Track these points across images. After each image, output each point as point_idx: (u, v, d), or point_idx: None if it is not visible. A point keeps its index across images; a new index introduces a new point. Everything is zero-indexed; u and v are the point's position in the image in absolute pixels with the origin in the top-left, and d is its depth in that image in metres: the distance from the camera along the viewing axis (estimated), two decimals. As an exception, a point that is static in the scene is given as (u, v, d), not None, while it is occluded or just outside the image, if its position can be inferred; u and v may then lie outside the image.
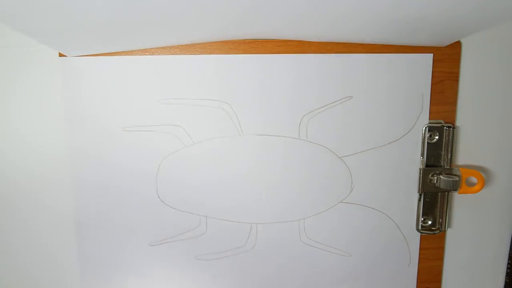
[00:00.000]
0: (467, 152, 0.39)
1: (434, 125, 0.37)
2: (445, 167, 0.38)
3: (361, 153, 0.38)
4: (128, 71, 0.36)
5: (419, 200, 0.39)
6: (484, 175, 0.39)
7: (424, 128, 0.38)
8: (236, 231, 0.38)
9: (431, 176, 0.38)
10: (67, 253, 0.37)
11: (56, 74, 0.36)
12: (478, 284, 0.41)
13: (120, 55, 0.35)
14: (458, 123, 0.38)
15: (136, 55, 0.36)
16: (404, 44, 0.36)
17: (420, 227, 0.39)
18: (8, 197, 0.37)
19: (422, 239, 0.39)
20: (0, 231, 0.38)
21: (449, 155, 0.38)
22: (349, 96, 0.37)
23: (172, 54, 0.36)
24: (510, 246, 0.41)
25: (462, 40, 0.37)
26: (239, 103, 0.37)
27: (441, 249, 0.40)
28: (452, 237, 0.40)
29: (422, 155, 0.38)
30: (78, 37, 0.31)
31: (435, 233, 0.39)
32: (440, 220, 0.39)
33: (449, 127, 0.37)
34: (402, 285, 0.40)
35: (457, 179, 0.36)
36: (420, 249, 0.39)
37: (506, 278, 0.41)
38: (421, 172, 0.38)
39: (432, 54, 0.37)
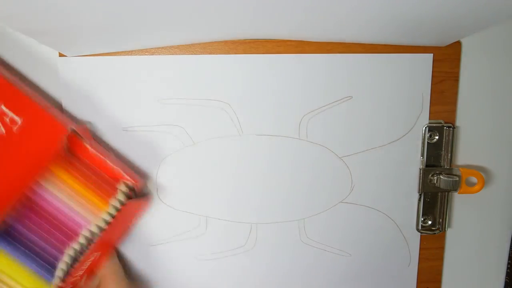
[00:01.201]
0: (467, 152, 0.39)
1: (434, 125, 0.37)
2: (445, 167, 0.38)
3: (361, 153, 0.38)
4: (128, 71, 0.36)
5: (419, 200, 0.39)
6: (484, 175, 0.39)
7: (424, 128, 0.38)
8: (236, 231, 0.38)
9: (431, 176, 0.38)
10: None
11: (56, 74, 0.36)
12: (478, 284, 0.41)
13: (120, 55, 0.35)
14: (458, 123, 0.38)
15: (136, 55, 0.36)
16: (404, 44, 0.36)
17: (420, 227, 0.39)
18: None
19: (422, 239, 0.39)
20: None
21: (449, 155, 0.38)
22: (349, 96, 0.37)
23: (172, 54, 0.36)
24: (510, 246, 0.41)
25: (462, 40, 0.37)
26: (239, 103, 0.37)
27: (441, 249, 0.40)
28: (452, 237, 0.40)
29: (422, 155, 0.38)
30: (78, 37, 0.31)
31: (435, 233, 0.39)
32: (440, 220, 0.39)
33: (449, 127, 0.37)
34: (402, 285, 0.40)
35: (457, 179, 0.36)
36: (420, 249, 0.39)
37: (506, 278, 0.41)
38: (421, 172, 0.38)
39: (432, 54, 0.37)
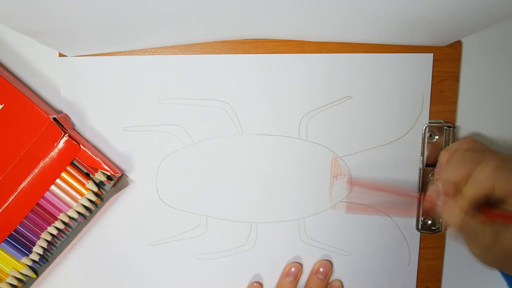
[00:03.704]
0: (467, 152, 0.39)
1: (434, 125, 0.37)
2: (445, 167, 0.38)
3: (361, 152, 0.38)
4: (128, 71, 0.36)
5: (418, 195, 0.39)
6: (484, 175, 0.38)
7: (424, 128, 0.38)
8: (236, 230, 0.38)
9: (431, 176, 0.38)
10: (68, 252, 0.37)
11: (56, 74, 0.36)
12: (477, 283, 0.41)
13: (120, 55, 0.35)
14: (458, 123, 0.38)
15: (136, 55, 0.36)
16: (404, 44, 0.36)
17: (420, 227, 0.39)
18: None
19: (422, 238, 0.39)
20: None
21: (449, 155, 0.38)
22: (349, 96, 0.37)
23: (172, 54, 0.36)
24: (510, 245, 0.41)
25: (463, 40, 0.37)
26: (239, 103, 0.37)
27: (441, 248, 0.40)
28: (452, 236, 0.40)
29: (422, 155, 0.38)
30: (78, 37, 0.31)
31: (435, 233, 0.39)
32: (440, 219, 0.39)
33: (449, 127, 0.37)
34: (402, 284, 0.40)
35: (457, 179, 0.36)
36: (420, 248, 0.40)
37: (505, 278, 0.41)
38: (421, 172, 0.38)
39: (432, 54, 0.37)
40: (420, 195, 0.34)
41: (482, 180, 0.27)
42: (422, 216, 0.39)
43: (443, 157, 0.34)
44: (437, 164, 0.35)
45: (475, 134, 0.39)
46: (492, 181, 0.27)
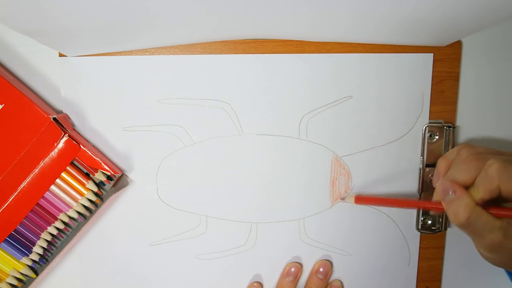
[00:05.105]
0: (467, 152, 0.39)
1: (434, 125, 0.37)
2: (445, 167, 0.38)
3: (361, 152, 0.38)
4: (128, 71, 0.36)
5: (419, 200, 0.39)
6: (484, 175, 0.38)
7: (424, 128, 0.38)
8: (236, 230, 0.38)
9: (431, 176, 0.38)
10: (68, 252, 0.37)
11: (56, 74, 0.36)
12: (478, 283, 0.41)
13: (120, 55, 0.35)
14: (458, 123, 0.38)
15: (136, 55, 0.36)
16: (404, 44, 0.36)
17: (420, 227, 0.39)
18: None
19: (422, 238, 0.39)
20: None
21: (449, 155, 0.38)
22: (349, 96, 0.37)
23: (172, 54, 0.36)
24: (510, 245, 0.41)
25: (463, 40, 0.37)
26: (239, 103, 0.37)
27: (441, 248, 0.40)
28: (452, 236, 0.40)
29: (422, 155, 0.38)
30: (78, 37, 0.31)
31: (435, 233, 0.39)
32: (440, 219, 0.39)
33: (449, 127, 0.37)
34: (402, 284, 0.40)
35: (457, 179, 0.36)
36: (420, 248, 0.40)
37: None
38: (421, 172, 0.38)
39: (432, 54, 0.37)
40: (421, 201, 0.34)
41: (488, 181, 0.28)
42: (422, 216, 0.39)
43: (441, 164, 0.34)
44: (435, 171, 0.35)
45: (475, 134, 0.39)
46: (497, 182, 0.27)
